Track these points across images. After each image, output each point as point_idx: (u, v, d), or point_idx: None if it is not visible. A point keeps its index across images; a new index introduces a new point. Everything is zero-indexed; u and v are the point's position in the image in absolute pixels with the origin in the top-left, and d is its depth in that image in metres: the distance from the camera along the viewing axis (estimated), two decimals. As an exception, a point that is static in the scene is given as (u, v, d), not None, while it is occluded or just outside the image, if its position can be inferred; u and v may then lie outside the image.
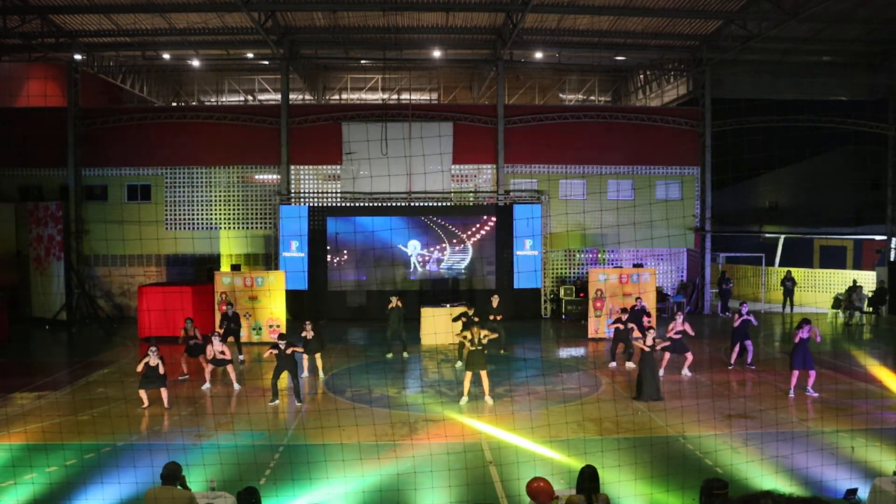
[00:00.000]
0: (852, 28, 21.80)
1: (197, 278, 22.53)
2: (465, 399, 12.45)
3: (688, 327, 14.57)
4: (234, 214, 23.73)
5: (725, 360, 15.54)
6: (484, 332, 12.41)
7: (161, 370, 12.06)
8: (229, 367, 13.70)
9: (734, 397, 12.72)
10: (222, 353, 13.57)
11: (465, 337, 12.58)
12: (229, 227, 23.61)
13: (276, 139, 23.47)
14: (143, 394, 12.16)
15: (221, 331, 15.06)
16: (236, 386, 13.67)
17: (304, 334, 14.12)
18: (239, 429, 10.94)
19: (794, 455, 9.24)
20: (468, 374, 12.48)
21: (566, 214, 23.27)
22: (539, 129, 24.03)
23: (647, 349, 12.55)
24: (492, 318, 16.33)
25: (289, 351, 12.48)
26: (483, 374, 12.41)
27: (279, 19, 21.51)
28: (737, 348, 15.20)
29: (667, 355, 14.62)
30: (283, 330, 18.25)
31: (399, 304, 16.57)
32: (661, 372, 14.51)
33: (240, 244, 23.61)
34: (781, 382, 13.44)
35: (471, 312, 15.63)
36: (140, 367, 12.10)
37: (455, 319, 16.31)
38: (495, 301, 16.83)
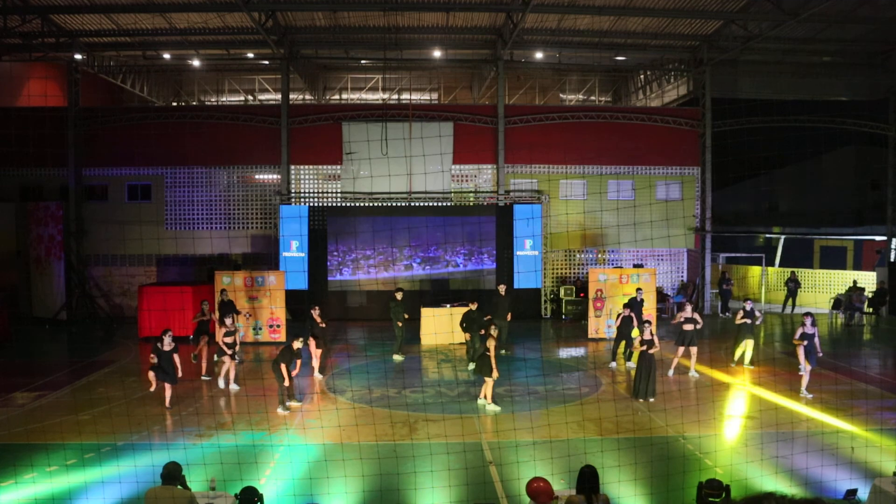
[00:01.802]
0: (853, 28, 21.79)
1: (197, 278, 22.54)
2: (488, 404, 12.20)
3: (696, 315, 14.63)
4: (234, 214, 23.75)
5: (727, 359, 15.52)
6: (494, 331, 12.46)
7: (175, 361, 12.03)
8: (232, 366, 13.64)
9: (734, 397, 12.71)
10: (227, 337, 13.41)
11: (492, 343, 12.25)
12: (230, 227, 23.62)
13: (276, 139, 23.48)
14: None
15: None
16: (235, 386, 13.64)
17: (315, 318, 14.59)
18: (239, 428, 10.94)
19: (794, 455, 9.24)
20: (488, 381, 12.19)
21: (566, 214, 23.27)
22: (539, 130, 24.04)
23: (643, 344, 12.51)
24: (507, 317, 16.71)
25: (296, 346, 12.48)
26: (490, 380, 12.36)
27: (279, 19, 21.51)
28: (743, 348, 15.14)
29: (680, 350, 14.60)
30: (283, 332, 18.37)
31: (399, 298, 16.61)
32: (671, 372, 14.51)
33: (240, 244, 23.63)
34: (781, 383, 13.43)
35: (474, 307, 15.60)
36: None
37: (462, 323, 15.73)
38: (503, 289, 17.08)
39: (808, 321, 12.74)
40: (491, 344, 12.17)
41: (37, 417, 11.48)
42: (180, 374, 12.25)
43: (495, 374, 11.99)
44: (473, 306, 15.70)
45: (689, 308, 14.80)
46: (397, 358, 16.39)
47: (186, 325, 18.17)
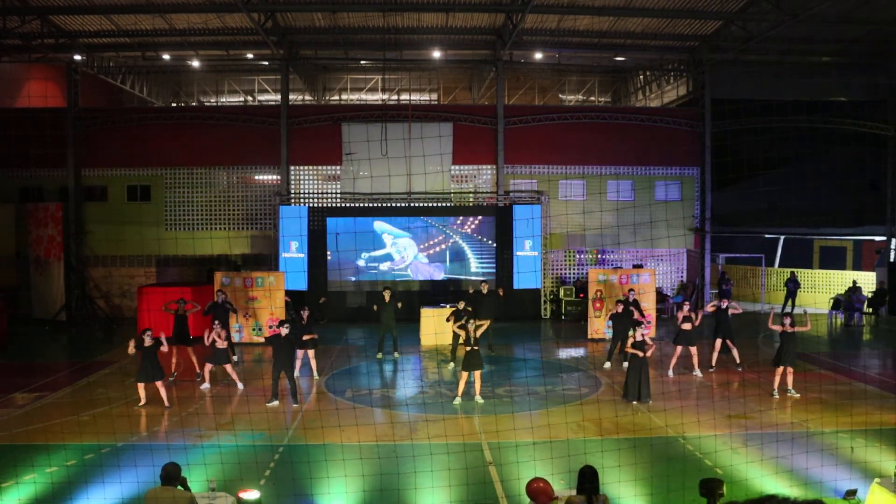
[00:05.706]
0: (852, 28, 21.79)
1: (197, 279, 22.53)
2: (458, 400, 12.45)
3: (694, 314, 14.60)
4: (234, 215, 23.74)
5: (727, 360, 15.45)
6: (478, 324, 12.46)
7: (160, 350, 12.09)
8: (229, 367, 13.62)
9: (734, 397, 12.72)
10: (217, 336, 13.34)
11: (460, 328, 12.45)
12: (229, 228, 23.62)
13: (275, 140, 23.47)
14: (141, 388, 12.15)
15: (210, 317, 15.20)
16: (240, 385, 13.63)
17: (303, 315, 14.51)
18: (239, 429, 10.94)
19: (794, 455, 9.24)
20: (464, 375, 12.40)
21: (566, 215, 23.28)
22: (539, 130, 24.04)
23: (635, 347, 12.39)
24: (477, 322, 16.32)
25: (284, 332, 12.48)
26: (477, 374, 12.43)
27: (279, 20, 21.52)
28: (718, 348, 15.03)
29: (677, 350, 14.56)
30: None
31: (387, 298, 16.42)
32: (670, 373, 14.50)
33: (240, 245, 23.62)
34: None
35: (461, 306, 15.54)
36: (131, 349, 12.06)
37: (448, 319, 15.79)
38: (485, 288, 17.02)
39: (788, 320, 12.72)
40: (461, 332, 12.44)
41: (37, 418, 11.47)
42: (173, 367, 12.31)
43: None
44: (461, 306, 15.66)
45: (686, 307, 14.80)
46: (394, 356, 16.55)
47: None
